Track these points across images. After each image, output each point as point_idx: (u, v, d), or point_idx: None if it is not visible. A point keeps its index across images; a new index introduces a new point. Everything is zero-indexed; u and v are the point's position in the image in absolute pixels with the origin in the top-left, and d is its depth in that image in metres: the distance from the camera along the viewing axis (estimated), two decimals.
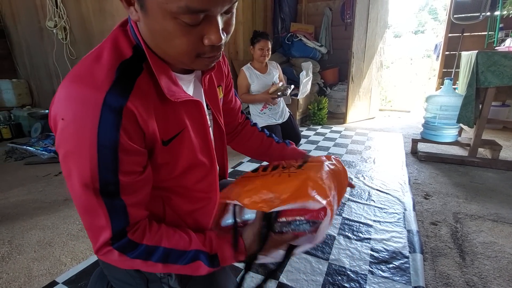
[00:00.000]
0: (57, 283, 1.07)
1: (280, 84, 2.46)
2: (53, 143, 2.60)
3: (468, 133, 2.57)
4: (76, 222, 1.49)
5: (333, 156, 0.72)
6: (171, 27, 0.43)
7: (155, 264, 0.52)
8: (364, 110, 3.96)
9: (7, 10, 3.42)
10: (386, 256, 1.20)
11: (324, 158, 0.71)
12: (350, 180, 1.93)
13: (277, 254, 0.60)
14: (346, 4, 4.07)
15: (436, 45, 4.02)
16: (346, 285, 1.05)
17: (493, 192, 1.78)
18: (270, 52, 2.45)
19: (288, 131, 2.73)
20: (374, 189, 1.83)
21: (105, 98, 0.43)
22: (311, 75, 2.80)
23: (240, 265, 1.15)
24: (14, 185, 1.95)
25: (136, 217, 0.51)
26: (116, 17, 2.71)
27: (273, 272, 0.62)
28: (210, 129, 0.70)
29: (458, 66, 3.26)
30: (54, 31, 2.98)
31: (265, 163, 0.78)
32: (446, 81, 2.35)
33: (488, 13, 3.24)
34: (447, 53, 3.74)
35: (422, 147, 2.65)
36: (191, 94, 0.61)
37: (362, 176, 2.04)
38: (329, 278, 1.08)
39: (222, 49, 0.51)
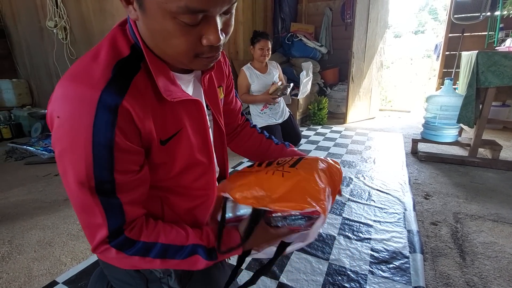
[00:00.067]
0: (57, 283, 1.07)
1: (279, 83, 2.45)
2: None
3: (468, 133, 2.57)
4: (76, 222, 1.49)
5: (330, 158, 0.72)
6: (170, 26, 0.43)
7: (153, 260, 0.52)
8: (364, 110, 3.96)
9: (7, 10, 3.42)
10: (386, 256, 1.20)
11: (319, 158, 0.71)
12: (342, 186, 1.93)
13: (270, 250, 0.61)
14: (346, 4, 4.07)
15: (436, 45, 4.02)
16: (346, 285, 1.05)
17: (493, 192, 1.78)
18: (270, 52, 2.45)
19: (288, 131, 2.73)
20: (374, 189, 1.82)
21: (101, 96, 0.43)
22: (311, 75, 2.80)
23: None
24: (14, 185, 1.95)
25: (132, 215, 0.51)
26: (116, 16, 2.71)
27: (264, 268, 0.62)
28: (210, 129, 0.70)
29: (458, 66, 3.26)
30: (54, 31, 2.98)
31: None
32: (447, 81, 2.35)
33: (488, 13, 3.24)
34: (447, 53, 3.74)
35: (422, 147, 2.65)
36: (190, 93, 0.61)
37: (362, 176, 2.04)
38: (329, 278, 1.08)
39: (221, 50, 0.51)
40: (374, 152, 2.58)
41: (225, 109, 0.79)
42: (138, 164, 0.50)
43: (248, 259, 1.18)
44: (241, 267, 1.11)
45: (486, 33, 3.39)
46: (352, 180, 1.96)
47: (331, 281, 1.07)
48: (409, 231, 1.36)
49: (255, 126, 0.91)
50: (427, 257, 1.21)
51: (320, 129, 3.47)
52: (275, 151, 0.86)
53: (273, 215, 0.57)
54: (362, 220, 1.47)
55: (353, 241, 1.30)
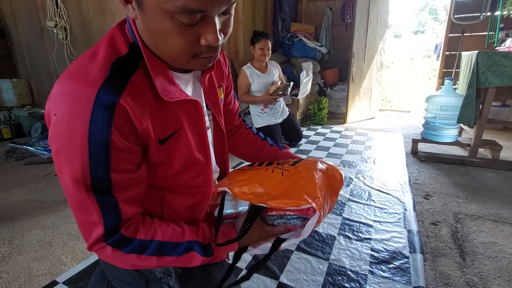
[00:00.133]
0: (57, 283, 1.07)
1: (279, 82, 2.46)
2: None
3: (469, 133, 2.57)
4: None
5: (331, 163, 0.72)
6: (168, 26, 0.43)
7: (149, 258, 0.52)
8: (364, 110, 3.96)
9: (8, 10, 3.42)
10: (387, 256, 1.20)
11: (319, 160, 0.72)
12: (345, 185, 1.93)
13: (265, 246, 0.61)
14: (346, 4, 4.07)
15: (437, 45, 4.01)
16: (346, 285, 1.05)
17: (494, 192, 1.78)
18: (270, 52, 2.45)
19: (289, 130, 2.74)
20: (374, 189, 1.82)
21: (97, 94, 0.43)
22: (311, 75, 2.80)
23: (240, 265, 1.15)
24: (15, 185, 1.95)
25: (128, 213, 0.51)
26: (117, 16, 2.71)
27: (259, 264, 0.62)
28: (210, 129, 0.70)
29: (458, 66, 3.26)
30: (55, 31, 2.98)
31: None
32: (447, 81, 2.35)
33: (489, 13, 3.24)
34: (447, 53, 3.74)
35: (422, 147, 2.65)
36: (189, 93, 0.61)
37: (363, 176, 2.04)
38: (329, 278, 1.08)
39: (219, 50, 0.51)
40: (374, 152, 2.58)
41: (223, 110, 0.79)
42: (135, 163, 0.50)
43: (248, 259, 1.18)
44: (240, 266, 1.12)
45: (486, 33, 3.39)
46: (352, 180, 1.96)
47: (331, 281, 1.07)
48: (409, 231, 1.36)
49: (250, 127, 0.92)
50: (427, 257, 1.21)
51: (320, 129, 3.47)
52: (270, 152, 0.86)
53: (269, 213, 0.58)
54: (362, 220, 1.47)
55: (353, 241, 1.30)
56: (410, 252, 1.21)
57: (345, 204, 1.64)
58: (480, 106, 2.18)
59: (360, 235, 1.35)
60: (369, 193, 1.77)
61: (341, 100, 4.05)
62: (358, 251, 1.23)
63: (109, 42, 0.49)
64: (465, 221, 1.47)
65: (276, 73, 2.63)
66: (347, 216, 1.51)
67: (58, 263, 1.19)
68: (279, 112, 2.64)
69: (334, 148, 2.74)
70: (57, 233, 1.40)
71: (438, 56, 3.90)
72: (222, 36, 0.47)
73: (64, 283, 1.07)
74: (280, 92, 2.42)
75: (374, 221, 1.46)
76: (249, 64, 2.51)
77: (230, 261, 1.11)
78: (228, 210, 0.64)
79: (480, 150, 2.42)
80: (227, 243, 0.57)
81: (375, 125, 3.67)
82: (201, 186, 0.63)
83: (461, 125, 2.43)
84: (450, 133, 2.40)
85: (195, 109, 0.58)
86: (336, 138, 3.07)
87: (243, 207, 0.62)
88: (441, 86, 2.85)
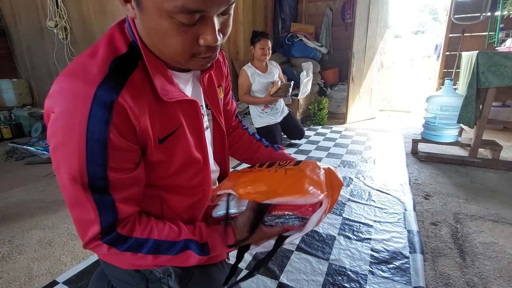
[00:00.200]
0: (57, 283, 1.07)
1: (279, 83, 2.46)
2: None
3: (469, 134, 2.57)
4: None
5: (332, 167, 0.71)
6: (167, 26, 0.43)
7: (145, 256, 0.52)
8: (365, 110, 3.96)
9: (8, 10, 3.42)
10: (387, 256, 1.20)
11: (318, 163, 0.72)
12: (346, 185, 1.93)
13: (268, 244, 0.62)
14: (346, 4, 4.07)
15: (437, 46, 4.02)
16: (346, 285, 1.05)
17: (494, 192, 1.78)
18: (270, 51, 2.45)
19: (290, 127, 2.75)
20: (374, 189, 1.82)
21: (96, 92, 0.43)
22: (311, 75, 2.80)
23: (240, 265, 1.15)
24: (15, 185, 1.95)
25: (125, 213, 0.50)
26: (117, 16, 2.71)
27: (263, 260, 0.62)
28: (209, 129, 0.70)
29: (458, 67, 3.26)
30: (55, 31, 2.98)
31: None
32: (447, 82, 2.35)
33: (489, 14, 3.24)
34: (447, 53, 3.74)
35: (423, 147, 2.65)
36: (189, 93, 0.61)
37: (363, 176, 2.04)
38: (329, 278, 1.08)
39: (218, 50, 0.51)
40: (374, 152, 2.58)
41: None
42: (133, 162, 0.50)
43: (248, 259, 1.18)
44: (240, 266, 1.12)
45: (486, 33, 3.39)
46: (352, 180, 1.96)
47: (331, 281, 1.07)
48: (409, 231, 1.36)
49: (247, 128, 0.92)
50: (427, 257, 1.21)
51: (320, 129, 3.47)
52: (265, 153, 0.86)
53: (267, 215, 0.58)
54: (362, 220, 1.47)
55: (353, 241, 1.30)
56: (410, 252, 1.21)
57: (345, 204, 1.64)
58: (480, 106, 2.18)
59: (360, 235, 1.35)
60: (369, 193, 1.78)
61: (341, 100, 4.05)
62: (358, 251, 1.23)
63: (108, 41, 0.49)
64: (465, 221, 1.47)
65: (276, 73, 2.64)
66: (347, 216, 1.51)
67: (58, 263, 1.19)
68: (279, 111, 2.65)
69: (334, 148, 2.74)
70: (57, 233, 1.40)
71: (438, 56, 3.90)
72: (221, 36, 0.47)
73: (64, 283, 1.07)
74: (282, 93, 2.42)
75: (374, 221, 1.46)
76: (249, 64, 2.51)
77: (231, 261, 1.11)
78: (234, 210, 0.64)
79: (480, 150, 2.42)
80: (239, 242, 0.57)
81: (375, 125, 3.67)
82: (200, 186, 0.63)
83: (461, 125, 2.44)
84: (450, 133, 2.40)
85: (193, 109, 0.58)
86: (336, 138, 3.07)
87: (243, 207, 0.62)
88: (441, 86, 2.85)
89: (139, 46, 0.49)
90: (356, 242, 1.30)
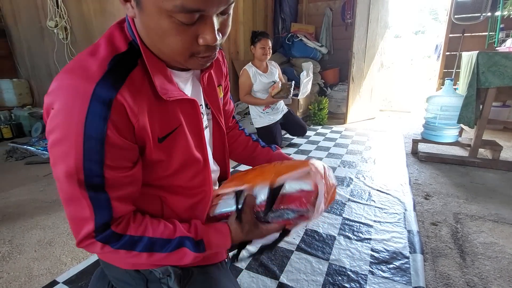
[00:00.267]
0: (57, 283, 1.07)
1: (280, 84, 2.46)
2: None
3: (469, 134, 2.57)
4: None
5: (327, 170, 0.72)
6: (166, 25, 0.43)
7: (140, 254, 0.52)
8: (365, 110, 3.96)
9: (8, 9, 3.43)
10: (387, 257, 1.20)
11: None
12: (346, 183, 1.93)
13: (273, 236, 0.62)
14: (346, 4, 4.07)
15: (437, 46, 4.02)
16: (346, 285, 1.05)
17: (494, 192, 1.78)
18: (271, 51, 2.46)
19: (292, 124, 2.76)
20: (374, 189, 1.82)
21: (95, 89, 0.43)
22: (311, 75, 2.80)
23: (240, 265, 1.15)
24: (15, 185, 1.95)
25: (120, 211, 0.50)
26: (117, 16, 2.71)
27: (269, 246, 0.63)
28: (209, 128, 0.70)
29: (458, 67, 3.26)
30: (55, 31, 2.98)
31: None
32: (447, 82, 2.35)
33: (489, 14, 3.24)
34: (447, 53, 3.74)
35: (423, 147, 2.65)
36: (188, 92, 0.61)
37: (363, 176, 2.04)
38: (329, 278, 1.08)
39: (218, 50, 0.51)
40: (375, 153, 2.58)
41: None
42: (130, 161, 0.50)
43: (248, 259, 1.18)
44: (240, 266, 1.12)
45: (486, 33, 3.39)
46: (352, 181, 1.96)
47: (331, 281, 1.07)
48: (409, 232, 1.36)
49: (243, 129, 0.92)
50: (427, 258, 1.21)
51: (320, 129, 3.47)
52: (261, 153, 0.86)
53: (260, 210, 0.58)
54: (362, 220, 1.47)
55: (353, 241, 1.30)
56: (410, 252, 1.21)
57: (345, 204, 1.64)
58: (481, 107, 2.18)
59: (360, 235, 1.35)
60: (369, 193, 1.77)
61: (341, 100, 4.05)
62: (358, 251, 1.23)
63: (108, 40, 0.49)
64: (465, 222, 1.47)
65: (276, 73, 2.64)
66: (347, 216, 1.51)
67: (58, 263, 1.19)
68: (280, 111, 2.66)
69: (334, 148, 2.74)
70: (57, 233, 1.40)
71: (438, 57, 3.90)
72: (220, 36, 0.48)
73: (64, 283, 1.07)
74: (284, 94, 2.43)
75: (374, 221, 1.46)
76: (250, 63, 2.51)
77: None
78: (226, 208, 0.64)
79: (480, 150, 2.42)
80: (235, 239, 0.58)
81: (375, 125, 3.67)
82: (200, 186, 0.63)
83: (461, 125, 2.44)
84: (450, 134, 2.39)
85: (192, 108, 0.58)
86: (336, 138, 3.07)
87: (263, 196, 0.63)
88: (442, 87, 2.85)
89: (138, 45, 0.49)
90: (356, 242, 1.30)
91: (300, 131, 2.80)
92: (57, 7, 2.91)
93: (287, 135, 3.16)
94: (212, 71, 0.67)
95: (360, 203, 1.65)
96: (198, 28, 0.44)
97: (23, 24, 3.37)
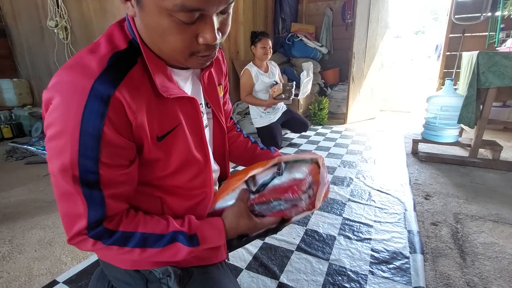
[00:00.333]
0: (57, 283, 1.07)
1: (281, 85, 2.46)
2: None
3: (469, 134, 2.57)
4: None
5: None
6: (166, 24, 0.43)
7: (132, 250, 0.51)
8: (365, 110, 3.96)
9: (8, 9, 3.43)
10: (387, 257, 1.20)
11: None
12: (350, 181, 1.93)
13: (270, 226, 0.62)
14: (347, 4, 4.07)
15: (437, 46, 4.01)
16: (346, 285, 1.05)
17: (494, 192, 1.78)
18: (271, 50, 2.46)
19: (295, 121, 2.77)
20: (374, 189, 1.82)
21: (93, 85, 0.43)
22: (311, 75, 2.81)
23: (240, 265, 1.15)
24: (15, 185, 1.95)
25: (113, 209, 0.50)
26: (117, 16, 2.71)
27: (271, 230, 0.63)
28: (209, 127, 0.70)
29: (459, 67, 3.26)
30: (55, 30, 2.98)
31: None
32: (447, 82, 2.35)
33: (489, 14, 3.24)
34: (448, 53, 3.74)
35: (423, 147, 2.65)
36: (188, 90, 0.61)
37: (363, 176, 2.04)
38: (330, 278, 1.08)
39: (217, 49, 0.52)
40: (375, 153, 2.58)
41: None
42: (126, 159, 0.50)
43: (249, 259, 1.18)
44: (240, 266, 1.12)
45: (486, 33, 3.38)
46: (353, 181, 1.96)
47: (331, 281, 1.07)
48: (409, 232, 1.36)
49: (241, 130, 0.92)
50: (428, 258, 1.21)
51: (320, 129, 3.47)
52: (260, 155, 0.86)
53: (253, 202, 0.58)
54: (363, 220, 1.47)
55: (354, 241, 1.30)
56: (410, 253, 1.21)
57: (345, 204, 1.64)
58: (481, 107, 2.17)
59: (361, 235, 1.35)
60: (369, 193, 1.77)
61: (341, 100, 4.05)
62: (358, 251, 1.23)
63: (107, 38, 0.50)
64: (466, 222, 1.47)
65: (276, 72, 2.65)
66: (347, 216, 1.51)
67: (58, 263, 1.19)
68: (280, 110, 2.67)
69: (334, 148, 2.73)
70: (58, 233, 1.40)
71: (438, 57, 3.90)
72: (220, 35, 0.48)
73: (65, 282, 1.07)
74: (286, 96, 2.43)
75: (375, 221, 1.46)
76: (251, 63, 2.51)
77: (230, 262, 1.12)
78: (225, 203, 0.64)
79: (481, 150, 2.42)
80: (230, 234, 0.58)
81: (375, 125, 3.67)
82: (201, 187, 0.62)
83: (462, 125, 2.43)
84: (450, 134, 2.39)
85: (192, 106, 0.57)
86: (337, 138, 3.06)
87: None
88: (442, 87, 2.85)
89: (138, 44, 0.49)
90: (356, 242, 1.30)
91: (302, 127, 2.81)
92: (57, 7, 2.91)
93: (287, 135, 3.16)
94: (212, 69, 0.67)
95: (360, 203, 1.65)
96: (198, 27, 0.45)
97: (23, 24, 3.37)
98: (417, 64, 9.17)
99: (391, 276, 1.09)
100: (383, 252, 1.23)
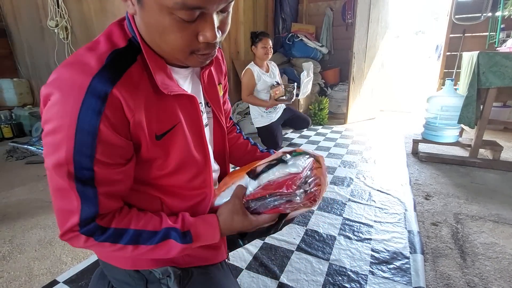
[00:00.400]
0: (57, 282, 1.07)
1: (283, 87, 2.47)
2: None
3: (469, 134, 2.57)
4: None
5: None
6: (166, 22, 0.43)
7: (125, 247, 0.51)
8: (365, 110, 3.96)
9: (9, 9, 3.43)
10: (387, 257, 1.20)
11: None
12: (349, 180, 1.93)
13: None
14: (347, 4, 4.07)
15: (437, 46, 4.01)
16: (346, 285, 1.05)
17: (494, 193, 1.78)
18: (272, 50, 2.46)
19: (296, 119, 2.78)
20: (374, 189, 1.82)
21: (91, 82, 0.43)
22: (312, 75, 2.80)
23: (240, 265, 1.15)
24: (15, 184, 1.95)
25: (107, 207, 0.50)
26: (118, 16, 2.68)
27: (273, 226, 0.63)
28: (209, 127, 0.70)
29: (459, 67, 3.25)
30: (56, 30, 2.98)
31: None
32: (447, 82, 2.35)
33: (490, 14, 3.23)
34: (448, 53, 3.73)
35: (423, 147, 2.65)
36: (188, 89, 0.61)
37: (363, 176, 2.03)
38: (330, 279, 1.08)
39: (217, 47, 0.52)
40: (375, 153, 2.58)
41: None
42: (123, 157, 0.50)
43: (249, 258, 1.18)
44: (240, 266, 1.12)
45: (487, 33, 3.38)
46: (353, 181, 1.96)
47: (332, 281, 1.07)
48: (409, 232, 1.36)
49: (241, 131, 0.91)
50: (428, 258, 1.21)
51: (320, 129, 3.47)
52: (260, 157, 0.86)
53: (248, 199, 0.58)
54: (363, 221, 1.47)
55: (354, 242, 1.30)
56: (410, 253, 1.21)
57: (346, 204, 1.64)
58: (481, 107, 2.17)
59: (361, 235, 1.35)
60: (369, 193, 1.77)
61: (341, 100, 4.05)
62: (358, 252, 1.23)
63: (107, 36, 0.50)
64: (466, 222, 1.47)
65: (276, 72, 2.65)
66: (348, 217, 1.51)
67: (58, 263, 1.19)
68: (280, 108, 2.68)
69: (334, 148, 2.73)
70: (58, 233, 1.40)
71: (438, 57, 3.90)
72: (220, 33, 0.48)
73: (65, 282, 1.07)
74: (287, 97, 2.43)
75: (375, 221, 1.46)
76: (252, 63, 2.51)
77: (231, 262, 1.11)
78: (222, 200, 0.64)
79: (481, 150, 2.41)
80: (224, 231, 0.58)
81: (375, 126, 3.67)
82: (201, 187, 0.62)
83: (462, 125, 2.43)
84: (450, 134, 2.39)
85: (191, 105, 0.57)
86: (337, 139, 3.06)
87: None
88: (442, 87, 2.84)
89: (138, 42, 0.49)
90: (357, 242, 1.30)
91: (304, 124, 2.82)
92: (58, 7, 2.91)
93: (287, 135, 3.16)
94: (212, 68, 0.67)
95: (361, 203, 1.65)
96: (198, 25, 0.45)
97: (23, 24, 3.37)
98: (417, 64, 9.16)
99: (391, 276, 1.09)
100: (383, 252, 1.23)
